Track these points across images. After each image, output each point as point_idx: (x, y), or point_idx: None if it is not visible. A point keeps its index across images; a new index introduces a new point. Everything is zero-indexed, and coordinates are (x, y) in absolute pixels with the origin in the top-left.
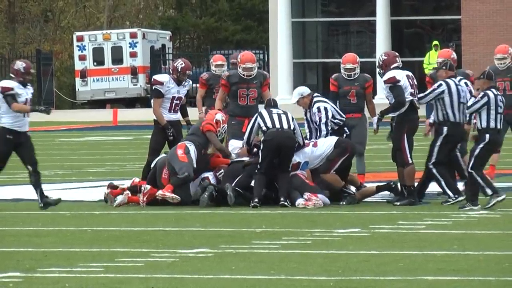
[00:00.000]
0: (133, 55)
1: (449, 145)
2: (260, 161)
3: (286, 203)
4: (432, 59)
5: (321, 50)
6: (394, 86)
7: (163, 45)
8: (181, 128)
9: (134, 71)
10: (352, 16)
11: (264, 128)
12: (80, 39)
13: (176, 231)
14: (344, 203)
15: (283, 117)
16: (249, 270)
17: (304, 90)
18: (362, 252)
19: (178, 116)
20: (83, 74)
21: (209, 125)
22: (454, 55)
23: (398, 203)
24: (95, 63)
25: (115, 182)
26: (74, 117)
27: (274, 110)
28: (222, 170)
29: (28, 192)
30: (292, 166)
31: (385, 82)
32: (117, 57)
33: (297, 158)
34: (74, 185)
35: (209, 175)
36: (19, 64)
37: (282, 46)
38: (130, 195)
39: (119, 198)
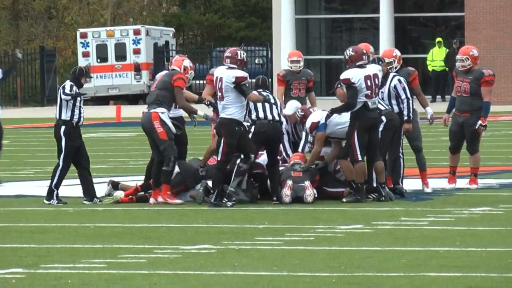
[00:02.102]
0: (136, 51)
1: None
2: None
3: (278, 202)
4: (435, 55)
5: (325, 46)
6: (349, 87)
7: (167, 42)
8: (185, 124)
9: (137, 68)
10: (356, 13)
11: (254, 116)
12: (84, 35)
13: (178, 228)
14: (344, 200)
15: (274, 107)
16: (252, 266)
17: (299, 105)
18: (364, 248)
19: (181, 111)
20: None
21: (181, 80)
22: (474, 52)
23: (345, 200)
24: (98, 60)
25: (118, 179)
26: None
27: (265, 96)
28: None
29: (31, 188)
30: (312, 125)
31: (342, 81)
32: (121, 54)
33: (317, 118)
34: (77, 182)
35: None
36: (241, 54)
37: (286, 43)
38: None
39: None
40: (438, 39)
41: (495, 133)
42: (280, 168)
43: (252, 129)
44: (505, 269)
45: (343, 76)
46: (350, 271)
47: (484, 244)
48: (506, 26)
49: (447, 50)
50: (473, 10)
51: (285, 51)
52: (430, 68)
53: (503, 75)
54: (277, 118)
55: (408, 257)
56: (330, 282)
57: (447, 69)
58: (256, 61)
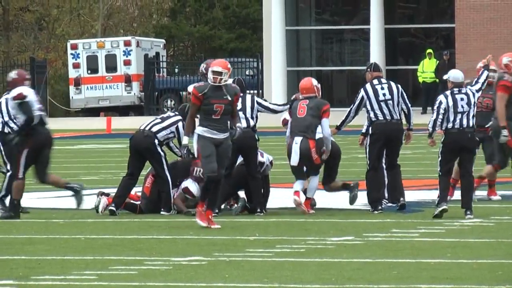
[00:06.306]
0: (127, 63)
1: None
2: None
3: (262, 213)
4: (426, 67)
5: (315, 58)
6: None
7: (157, 53)
8: None
9: (128, 79)
10: (346, 24)
11: None
12: (74, 47)
13: (169, 239)
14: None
15: (241, 114)
16: (243, 278)
17: None
18: (355, 260)
19: None
20: (77, 82)
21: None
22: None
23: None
24: (89, 71)
25: (108, 191)
26: (68, 125)
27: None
28: (197, 168)
29: (21, 199)
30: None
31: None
32: (111, 65)
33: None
34: (68, 193)
35: (188, 183)
36: None
37: (276, 54)
38: (107, 197)
39: (101, 203)
40: (429, 50)
41: None
42: None
43: None
44: (496, 280)
45: None
46: (341, 282)
47: (475, 255)
48: (496, 38)
49: (438, 61)
50: (464, 22)
51: (275, 63)
52: (420, 80)
53: None
54: (245, 125)
55: (399, 269)
56: None
57: (437, 80)
58: (247, 72)
